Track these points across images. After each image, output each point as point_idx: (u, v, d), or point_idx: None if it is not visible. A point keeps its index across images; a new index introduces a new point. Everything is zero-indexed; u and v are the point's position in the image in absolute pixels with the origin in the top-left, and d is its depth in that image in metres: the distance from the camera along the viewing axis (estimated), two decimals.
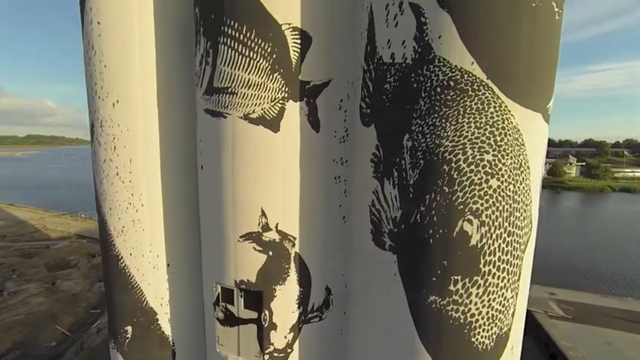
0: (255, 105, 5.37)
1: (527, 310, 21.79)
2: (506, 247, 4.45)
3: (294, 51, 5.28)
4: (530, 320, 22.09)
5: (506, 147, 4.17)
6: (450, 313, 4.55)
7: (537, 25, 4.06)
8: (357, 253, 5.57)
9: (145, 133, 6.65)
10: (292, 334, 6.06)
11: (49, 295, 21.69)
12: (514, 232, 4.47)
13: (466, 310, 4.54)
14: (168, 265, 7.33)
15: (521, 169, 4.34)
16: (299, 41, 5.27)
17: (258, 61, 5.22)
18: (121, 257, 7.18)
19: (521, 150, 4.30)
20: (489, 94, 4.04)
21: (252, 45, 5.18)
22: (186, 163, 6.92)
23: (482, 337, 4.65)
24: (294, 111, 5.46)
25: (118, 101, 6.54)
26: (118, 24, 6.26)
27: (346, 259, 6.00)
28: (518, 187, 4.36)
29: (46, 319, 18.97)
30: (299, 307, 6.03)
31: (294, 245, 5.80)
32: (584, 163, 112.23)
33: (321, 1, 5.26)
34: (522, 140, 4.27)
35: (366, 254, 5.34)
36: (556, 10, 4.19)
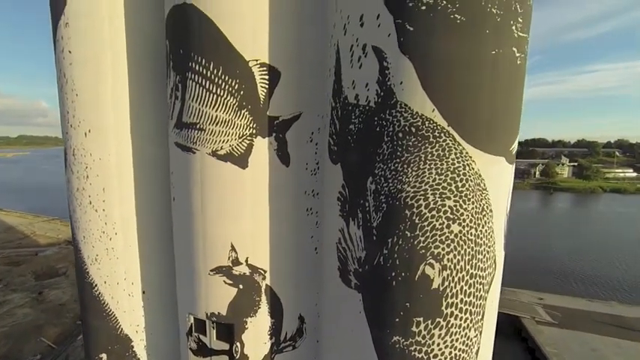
0: (223, 142, 5.34)
1: (515, 316, 22.04)
2: (469, 289, 4.49)
3: (262, 87, 5.25)
4: (518, 326, 22.36)
5: (468, 192, 4.20)
6: (413, 353, 4.57)
7: (498, 73, 4.08)
8: (326, 286, 5.58)
9: (117, 163, 6.57)
10: None
11: (35, 305, 21.42)
12: (476, 274, 4.50)
13: (429, 351, 4.57)
14: (143, 292, 7.27)
15: (483, 213, 4.37)
16: (267, 77, 5.25)
17: (225, 98, 5.19)
18: (95, 285, 7.11)
19: (483, 194, 4.32)
20: (450, 141, 4.06)
21: (220, 82, 5.15)
22: (161, 193, 6.86)
23: None
24: (262, 147, 5.43)
25: (89, 130, 6.46)
26: (90, 53, 6.18)
27: (318, 289, 6.01)
28: (481, 231, 4.40)
29: (31, 330, 18.74)
30: (271, 338, 6.02)
31: (264, 278, 5.78)
32: (576, 164, 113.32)
33: (289, 36, 5.24)
34: (484, 185, 4.30)
35: (333, 290, 5.35)
36: (517, 55, 4.22)
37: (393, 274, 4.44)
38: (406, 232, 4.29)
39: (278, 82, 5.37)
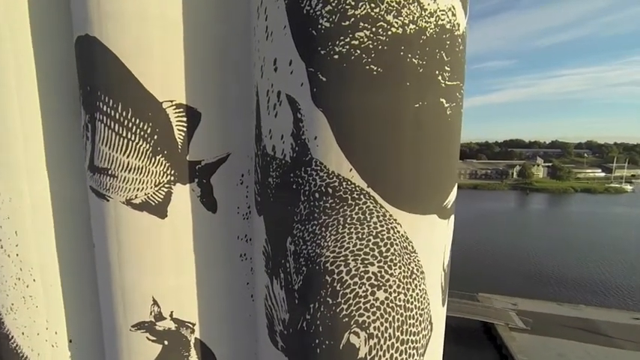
0: (137, 190, 4.79)
1: (491, 323, 22.44)
2: (400, 355, 4.16)
3: (179, 130, 4.74)
4: (494, 333, 22.78)
5: (394, 257, 3.86)
6: None
7: (423, 127, 3.75)
8: (259, 342, 5.15)
9: (32, 204, 5.88)
10: None
11: None
12: (408, 339, 4.19)
13: None
14: (70, 340, 6.60)
15: (413, 276, 4.05)
16: (185, 119, 4.73)
17: (137, 143, 4.64)
18: (12, 337, 6.38)
19: (412, 257, 4.00)
20: (371, 203, 3.70)
21: (130, 125, 4.59)
22: (83, 237, 6.21)
23: None
24: (182, 194, 4.92)
25: None
26: None
27: (258, 344, 5.57)
28: (411, 295, 4.07)
29: None
30: None
31: (193, 331, 5.28)
32: (550, 165, 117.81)
33: (208, 74, 4.75)
34: (412, 247, 3.97)
35: (263, 348, 4.93)
36: (447, 105, 3.90)
37: (317, 341, 4.06)
38: (327, 298, 3.91)
39: (198, 124, 4.87)
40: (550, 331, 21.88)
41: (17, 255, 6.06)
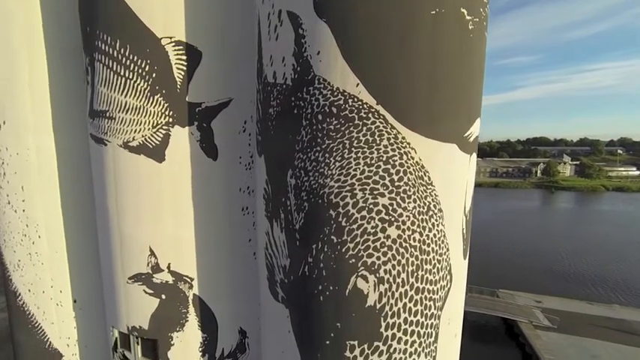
0: (135, 132, 4.57)
1: (513, 320, 21.13)
2: (415, 306, 3.68)
3: (178, 69, 4.48)
4: (516, 331, 21.44)
5: (407, 188, 3.39)
6: None
7: (441, 38, 3.27)
8: (261, 297, 4.80)
9: (38, 159, 5.83)
10: None
11: None
12: (424, 288, 3.69)
13: None
14: (75, 301, 6.53)
15: (430, 213, 3.56)
16: (184, 57, 4.47)
17: (135, 82, 4.43)
18: (19, 294, 6.38)
19: (428, 190, 3.51)
20: (381, 123, 3.26)
21: (128, 63, 4.38)
22: (88, 192, 6.09)
23: None
24: (181, 137, 4.66)
25: (4, 122, 5.73)
26: (2, 39, 5.46)
27: (259, 300, 5.23)
28: (427, 235, 3.58)
29: None
30: (203, 355, 5.25)
31: (191, 287, 5.01)
32: (578, 162, 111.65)
33: (210, 9, 4.46)
34: (429, 178, 3.49)
35: (265, 302, 4.57)
36: (468, 18, 3.40)
37: (320, 287, 3.65)
38: (332, 236, 3.49)
39: (199, 64, 4.59)
40: (579, 331, 20.26)
41: (24, 211, 6.01)
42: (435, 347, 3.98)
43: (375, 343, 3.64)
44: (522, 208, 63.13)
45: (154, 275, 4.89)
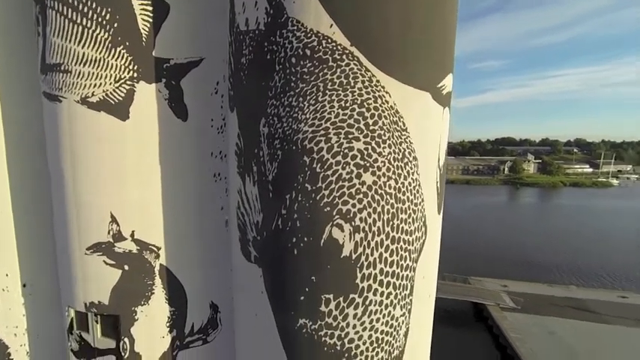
0: (95, 86, 4.20)
1: (482, 304, 22.25)
2: (391, 256, 3.67)
3: (143, 20, 4.16)
4: (485, 314, 22.64)
5: (382, 132, 3.37)
6: (323, 339, 3.70)
7: None
8: (233, 262, 4.61)
9: None
10: None
11: None
12: (400, 237, 3.69)
13: (343, 335, 3.71)
14: (24, 285, 5.92)
15: (405, 160, 3.56)
16: (150, 7, 4.16)
17: (94, 31, 4.06)
18: None
19: (403, 137, 3.51)
20: (355, 65, 3.21)
21: (86, 10, 4.01)
22: (38, 158, 5.55)
23: None
24: (148, 95, 4.35)
25: None
26: None
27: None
28: (402, 183, 3.59)
29: None
30: (171, 331, 4.95)
31: (158, 256, 4.70)
32: (540, 161, 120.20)
33: None
34: (404, 125, 3.49)
35: (237, 265, 4.39)
36: None
37: (294, 239, 3.54)
38: (306, 184, 3.39)
39: (166, 17, 4.30)
40: (541, 310, 21.88)
41: None
42: (411, 300, 4.00)
43: (351, 296, 3.58)
44: (491, 203, 66.84)
45: (115, 244, 4.52)
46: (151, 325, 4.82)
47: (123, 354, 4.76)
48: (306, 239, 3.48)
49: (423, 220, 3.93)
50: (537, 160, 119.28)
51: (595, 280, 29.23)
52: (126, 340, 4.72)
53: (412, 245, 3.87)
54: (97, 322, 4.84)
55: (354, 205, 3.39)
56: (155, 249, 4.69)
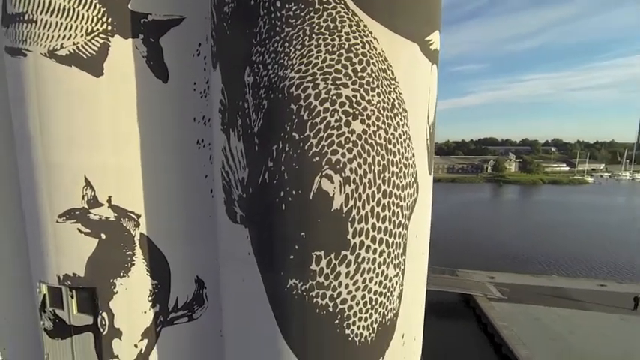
0: (64, 38, 3.92)
1: (470, 295, 22.65)
2: (383, 211, 3.57)
3: None
4: (472, 304, 23.07)
5: (370, 80, 3.27)
6: (314, 300, 3.55)
7: None
8: (218, 229, 4.41)
9: None
10: (146, 340, 4.69)
11: None
12: (392, 192, 3.60)
13: (335, 296, 3.58)
14: None
15: (394, 110, 3.48)
16: None
17: None
18: None
19: (392, 86, 3.43)
20: (342, 8, 3.10)
21: None
22: (6, 124, 5.17)
23: (358, 327, 3.72)
24: (124, 50, 4.11)
25: None
26: None
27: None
28: (392, 134, 3.50)
29: None
30: (154, 306, 4.68)
31: (137, 225, 4.44)
32: (521, 160, 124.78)
33: None
34: (392, 74, 3.41)
35: (222, 230, 4.20)
36: None
37: (282, 193, 3.39)
38: (293, 133, 3.26)
39: None
40: (526, 299, 22.55)
41: None
42: (404, 260, 3.92)
43: (343, 252, 3.46)
44: (476, 200, 68.64)
45: (90, 211, 4.24)
46: (132, 299, 4.53)
47: (101, 330, 4.46)
48: (294, 192, 3.34)
49: (414, 176, 3.86)
50: (518, 160, 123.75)
51: (575, 269, 30.39)
52: (104, 314, 4.43)
53: (404, 201, 3.79)
54: (72, 296, 4.52)
55: (343, 155, 3.28)
56: (135, 217, 4.42)
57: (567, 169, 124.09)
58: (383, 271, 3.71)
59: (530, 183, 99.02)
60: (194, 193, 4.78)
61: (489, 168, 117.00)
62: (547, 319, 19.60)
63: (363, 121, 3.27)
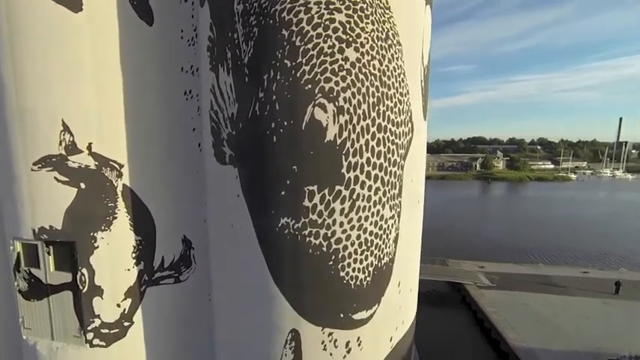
0: None
1: (460, 285, 22.85)
2: (378, 146, 3.46)
3: None
4: (463, 293, 23.39)
5: (365, 6, 3.16)
6: (307, 239, 3.41)
7: None
8: (207, 180, 4.22)
9: None
10: (130, 300, 4.46)
11: None
12: (387, 127, 3.49)
13: (329, 235, 3.45)
14: None
15: (389, 41, 3.38)
16: None
17: None
18: None
19: (387, 15, 3.33)
20: None
21: None
22: None
23: (354, 269, 3.60)
24: None
25: None
26: None
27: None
28: (387, 67, 3.40)
29: None
30: (138, 263, 4.45)
31: (120, 175, 4.20)
32: (508, 158, 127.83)
33: None
34: (387, 2, 3.31)
35: (210, 177, 4.02)
36: None
37: (273, 125, 3.24)
38: (285, 60, 3.11)
39: None
40: (514, 287, 23.04)
41: None
42: (400, 203, 3.82)
43: (337, 187, 3.33)
44: (465, 196, 69.76)
45: (68, 157, 3.99)
46: (114, 255, 4.29)
47: (81, 287, 4.20)
48: (286, 123, 3.19)
49: (409, 114, 3.76)
50: (506, 158, 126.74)
51: (560, 259, 31.17)
52: (84, 271, 4.17)
53: (399, 139, 3.69)
54: (49, 253, 4.25)
55: (337, 83, 3.15)
56: (117, 166, 4.19)
57: (552, 166, 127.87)
58: (378, 211, 3.61)
59: (517, 180, 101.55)
60: (181, 146, 4.56)
61: (478, 165, 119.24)
62: (534, 305, 20.06)
63: (356, 49, 3.15)
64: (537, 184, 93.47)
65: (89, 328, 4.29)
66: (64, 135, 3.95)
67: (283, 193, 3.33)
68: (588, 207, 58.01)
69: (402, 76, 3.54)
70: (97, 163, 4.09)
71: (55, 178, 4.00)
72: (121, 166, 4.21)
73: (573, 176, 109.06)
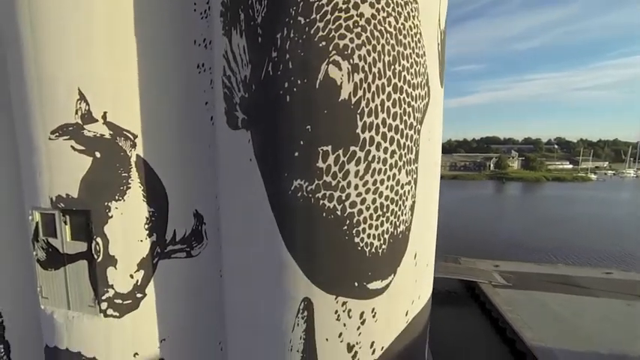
0: None
1: (474, 283, 22.23)
2: (393, 107, 3.34)
3: None
4: (477, 292, 22.75)
5: None
6: (321, 202, 3.33)
7: None
8: (219, 148, 4.20)
9: None
10: (142, 272, 4.48)
11: None
12: (403, 87, 3.37)
13: (344, 197, 3.36)
14: None
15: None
16: None
17: None
18: None
19: None
20: None
21: None
22: None
23: (369, 236, 3.49)
24: None
25: None
26: None
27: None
28: (403, 25, 3.28)
29: None
30: (150, 235, 4.47)
31: (134, 146, 4.24)
32: (524, 158, 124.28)
33: None
34: None
35: (222, 144, 3.99)
36: None
37: (286, 84, 3.18)
38: (299, 17, 3.05)
39: None
40: (531, 286, 22.22)
41: None
42: (416, 169, 3.69)
43: (352, 148, 3.24)
44: (479, 195, 68.20)
45: (84, 126, 4.04)
46: (128, 226, 4.32)
47: (96, 257, 4.25)
48: (299, 82, 3.12)
49: (425, 77, 3.63)
50: (521, 157, 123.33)
51: (581, 259, 29.96)
52: (99, 240, 4.22)
53: (416, 102, 3.56)
54: (65, 222, 4.32)
55: (351, 40, 3.06)
56: (131, 136, 4.22)
57: (570, 166, 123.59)
58: (394, 175, 3.48)
59: (534, 180, 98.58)
60: (193, 118, 4.57)
61: (492, 165, 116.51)
62: (553, 304, 19.29)
63: (372, 5, 3.05)
64: (555, 185, 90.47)
65: (103, 297, 4.33)
66: (80, 104, 4.01)
67: (297, 154, 3.26)
68: (611, 207, 55.68)
69: (418, 35, 3.42)
70: (111, 132, 4.13)
71: (72, 146, 4.06)
72: (135, 136, 4.24)
73: (593, 176, 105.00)
